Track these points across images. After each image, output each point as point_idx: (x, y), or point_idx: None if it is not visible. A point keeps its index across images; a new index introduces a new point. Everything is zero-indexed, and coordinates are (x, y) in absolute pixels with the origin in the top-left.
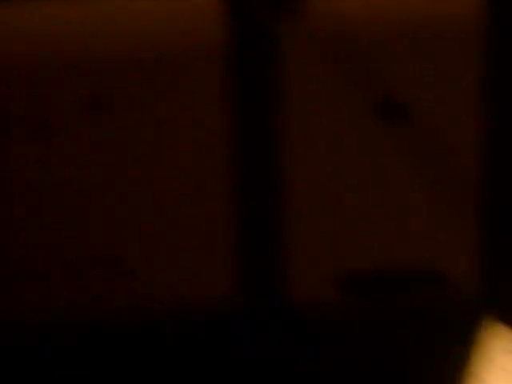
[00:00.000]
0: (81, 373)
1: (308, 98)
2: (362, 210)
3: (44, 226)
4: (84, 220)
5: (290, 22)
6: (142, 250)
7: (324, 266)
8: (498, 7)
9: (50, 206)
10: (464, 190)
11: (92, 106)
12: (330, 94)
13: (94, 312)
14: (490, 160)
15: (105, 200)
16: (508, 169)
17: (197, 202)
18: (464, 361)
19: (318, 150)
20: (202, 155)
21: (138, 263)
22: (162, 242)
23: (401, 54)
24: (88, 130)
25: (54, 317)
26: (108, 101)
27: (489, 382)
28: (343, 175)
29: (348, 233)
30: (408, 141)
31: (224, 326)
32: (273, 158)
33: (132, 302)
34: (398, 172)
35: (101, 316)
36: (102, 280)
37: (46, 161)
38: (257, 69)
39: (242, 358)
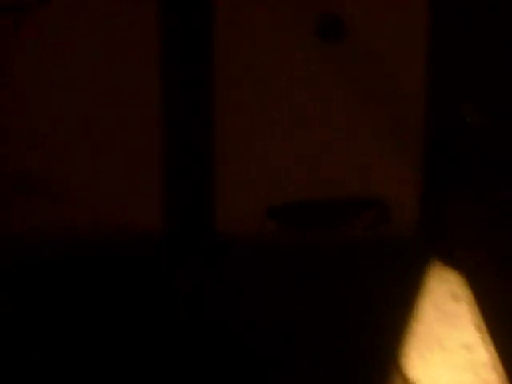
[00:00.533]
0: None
1: (244, 21)
2: (296, 138)
3: None
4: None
5: None
6: (70, 174)
7: (254, 194)
8: None
9: None
10: (408, 124)
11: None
12: (269, 14)
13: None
14: (434, 93)
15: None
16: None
17: (128, 129)
18: (407, 303)
19: (254, 77)
20: (135, 83)
21: (65, 188)
22: (90, 167)
23: None
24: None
25: None
26: None
27: (433, 327)
28: (279, 103)
29: (281, 161)
30: (349, 64)
31: (148, 253)
32: (206, 86)
33: (57, 228)
34: (341, 101)
35: (24, 241)
36: (26, 203)
37: None
38: None
39: (167, 283)
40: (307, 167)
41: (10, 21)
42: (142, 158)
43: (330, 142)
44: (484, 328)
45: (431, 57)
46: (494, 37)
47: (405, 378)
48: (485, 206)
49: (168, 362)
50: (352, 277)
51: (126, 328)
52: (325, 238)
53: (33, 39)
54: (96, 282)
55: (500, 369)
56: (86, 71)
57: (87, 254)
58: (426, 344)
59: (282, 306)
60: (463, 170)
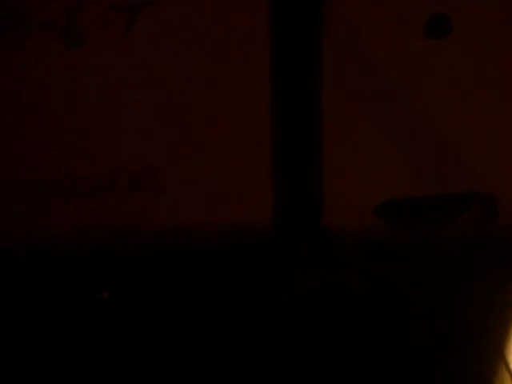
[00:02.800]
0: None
1: (350, 16)
2: (404, 135)
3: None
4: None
5: None
6: (177, 167)
7: (360, 193)
8: None
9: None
10: None
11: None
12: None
13: (119, 229)
14: None
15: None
16: None
17: (236, 124)
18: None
19: (362, 73)
20: (243, 76)
21: (172, 180)
22: (198, 161)
23: None
24: (118, 36)
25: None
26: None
27: None
28: (386, 97)
29: (388, 159)
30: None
31: (257, 248)
32: (314, 82)
33: (161, 221)
34: (449, 97)
35: (128, 231)
36: (132, 195)
37: (76, 65)
38: None
39: (273, 278)
40: (414, 163)
41: (123, 19)
42: (251, 155)
43: (436, 137)
44: None
45: None
46: None
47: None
48: None
49: (284, 358)
50: (459, 273)
51: (239, 322)
52: (432, 234)
53: (142, 36)
54: (206, 276)
55: None
56: (196, 70)
57: (199, 250)
58: None
59: (393, 303)
60: None
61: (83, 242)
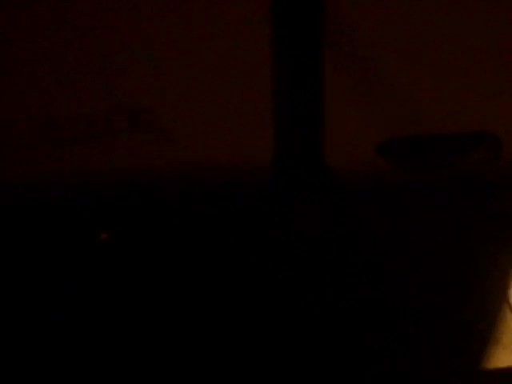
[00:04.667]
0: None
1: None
2: (407, 71)
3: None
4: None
5: None
6: (180, 111)
7: (362, 131)
8: None
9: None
10: None
11: None
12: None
13: (124, 170)
14: None
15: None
16: None
17: (239, 65)
18: None
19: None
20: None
21: (175, 125)
22: (200, 104)
23: None
24: None
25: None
26: None
27: None
28: (393, 36)
29: (391, 96)
30: None
31: (257, 188)
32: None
33: (166, 164)
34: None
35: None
36: (139, 140)
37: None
38: None
39: (273, 219)
40: (416, 102)
41: None
42: (251, 94)
43: (441, 77)
44: None
45: None
46: None
47: None
48: None
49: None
50: (463, 215)
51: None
52: (436, 174)
53: None
54: (206, 218)
55: None
56: (195, 15)
57: (199, 191)
58: None
59: (394, 245)
60: None
61: (83, 183)
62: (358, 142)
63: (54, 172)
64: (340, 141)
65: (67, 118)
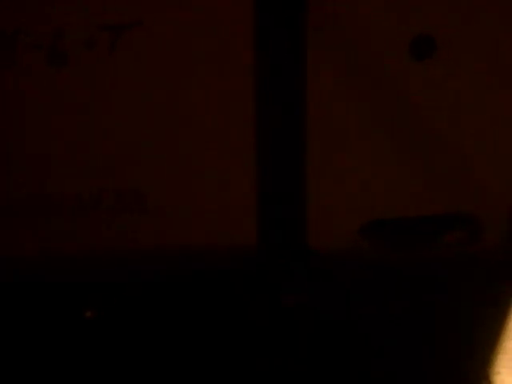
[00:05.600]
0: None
1: (338, 37)
2: (388, 155)
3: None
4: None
5: None
6: (167, 190)
7: (346, 212)
8: None
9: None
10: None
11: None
12: (362, 31)
13: (107, 248)
14: None
15: (126, 135)
16: None
17: (224, 144)
18: (497, 321)
19: (345, 94)
20: (226, 100)
21: (161, 204)
22: (186, 183)
23: None
24: (102, 56)
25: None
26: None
27: None
28: (372, 117)
29: (372, 179)
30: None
31: (242, 270)
32: (298, 103)
33: (146, 243)
34: (428, 111)
35: (111, 251)
36: (117, 215)
37: (60, 86)
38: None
39: (261, 303)
40: (399, 184)
41: (109, 39)
42: (236, 178)
43: (419, 160)
44: None
45: None
46: None
47: None
48: None
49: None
50: (444, 294)
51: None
52: (417, 254)
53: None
54: (192, 294)
55: None
56: (181, 92)
57: (182, 270)
58: None
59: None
60: None
61: (69, 259)
62: (341, 224)
63: (41, 248)
64: (323, 223)
65: (56, 196)
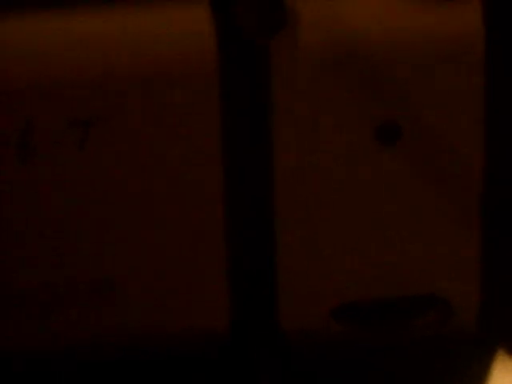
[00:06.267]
0: None
1: (300, 121)
2: (358, 237)
3: (23, 246)
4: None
5: (280, 40)
6: (132, 278)
7: (317, 295)
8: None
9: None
10: (466, 213)
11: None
12: (324, 117)
13: (72, 341)
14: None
15: (91, 223)
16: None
17: (192, 228)
18: None
19: (312, 174)
20: (195, 179)
21: (128, 291)
22: (154, 269)
23: (400, 74)
24: (72, 151)
25: (30, 345)
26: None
27: None
28: (339, 201)
29: (343, 261)
30: (406, 164)
31: (213, 357)
32: (265, 185)
33: (113, 331)
34: (394, 195)
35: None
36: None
37: (30, 182)
38: (248, 86)
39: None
40: (369, 266)
41: (77, 135)
42: (207, 264)
43: (389, 241)
44: None
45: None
46: None
47: None
48: None
49: None
50: (415, 377)
51: None
52: (387, 337)
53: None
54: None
55: None
56: (150, 185)
57: (149, 357)
58: None
59: None
60: None
61: (39, 353)
62: (312, 306)
63: (14, 340)
64: (294, 306)
65: (25, 287)
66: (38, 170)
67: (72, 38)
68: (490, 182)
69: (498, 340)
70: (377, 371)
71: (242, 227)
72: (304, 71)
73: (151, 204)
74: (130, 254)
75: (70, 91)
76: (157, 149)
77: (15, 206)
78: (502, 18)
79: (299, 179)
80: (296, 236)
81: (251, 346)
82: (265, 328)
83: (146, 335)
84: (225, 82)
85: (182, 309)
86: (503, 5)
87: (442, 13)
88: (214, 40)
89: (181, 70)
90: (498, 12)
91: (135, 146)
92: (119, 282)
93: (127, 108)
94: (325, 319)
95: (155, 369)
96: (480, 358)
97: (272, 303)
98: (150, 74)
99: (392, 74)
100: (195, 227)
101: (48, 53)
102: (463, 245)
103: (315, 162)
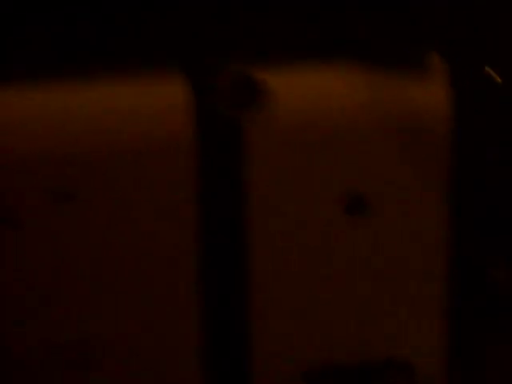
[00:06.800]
0: None
1: (273, 194)
2: (329, 306)
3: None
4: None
5: (253, 115)
6: (112, 343)
7: (290, 362)
8: (464, 104)
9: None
10: (430, 280)
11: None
12: (297, 187)
13: None
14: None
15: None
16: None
17: (165, 301)
18: None
19: (283, 246)
20: (168, 260)
21: (103, 360)
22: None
23: (367, 148)
24: (55, 222)
25: None
26: (75, 193)
27: None
28: (310, 272)
29: (314, 328)
30: (373, 235)
31: None
32: (237, 260)
33: None
34: (365, 266)
35: None
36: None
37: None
38: (222, 162)
39: None
40: (335, 332)
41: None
42: (181, 338)
43: (354, 308)
44: None
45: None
46: None
47: None
48: None
49: None
50: None
51: None
52: None
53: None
54: None
55: None
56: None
57: None
58: None
59: None
60: (491, 329)
61: None
62: (283, 370)
63: None
64: (265, 370)
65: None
66: (24, 240)
67: (50, 114)
68: (454, 249)
69: None
70: None
71: (216, 302)
72: (276, 147)
73: (127, 279)
74: (106, 323)
75: (49, 166)
76: (134, 222)
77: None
78: (465, 96)
79: (272, 250)
80: (268, 306)
81: None
82: None
83: None
84: (200, 155)
85: (157, 378)
86: (466, 82)
87: (408, 90)
88: (190, 115)
89: (159, 144)
90: (462, 90)
91: (114, 219)
92: (98, 346)
93: (106, 181)
94: (295, 382)
95: None
96: None
97: (243, 369)
98: (129, 149)
99: (360, 150)
100: (170, 304)
101: (28, 128)
102: (426, 312)
103: (287, 236)
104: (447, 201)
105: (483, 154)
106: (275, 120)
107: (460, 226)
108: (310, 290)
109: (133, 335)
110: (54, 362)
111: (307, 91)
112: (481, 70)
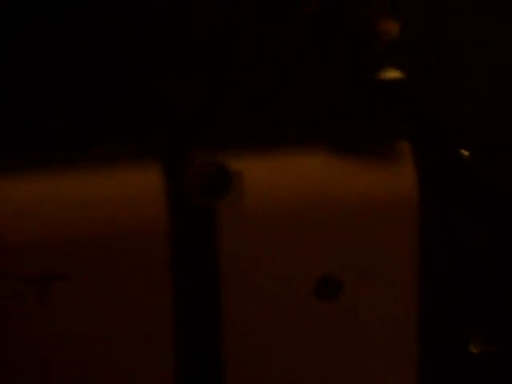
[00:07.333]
0: None
1: (246, 277)
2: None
3: None
4: None
5: (226, 202)
6: None
7: None
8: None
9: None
10: (403, 361)
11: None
12: (268, 272)
13: None
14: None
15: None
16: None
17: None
18: None
19: (256, 328)
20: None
21: None
22: None
23: (337, 233)
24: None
25: None
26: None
27: None
28: (280, 347)
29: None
30: (343, 317)
31: None
32: (212, 338)
33: None
34: (335, 348)
35: None
36: None
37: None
38: (195, 247)
39: None
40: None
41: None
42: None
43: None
44: None
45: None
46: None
47: None
48: None
49: None
50: None
51: None
52: None
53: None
54: None
55: None
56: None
57: None
58: None
59: None
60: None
61: None
62: None
63: None
64: None
65: None
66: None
67: (29, 202)
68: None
69: None
70: None
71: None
72: (248, 233)
73: (108, 357)
74: None
75: (28, 251)
76: (111, 309)
77: None
78: (434, 182)
79: (244, 331)
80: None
81: None
82: None
83: None
84: (174, 241)
85: None
86: (436, 169)
87: (378, 176)
88: (164, 204)
89: (134, 231)
90: (432, 176)
91: (92, 303)
92: None
93: (84, 265)
94: None
95: None
96: None
97: None
98: (106, 235)
99: (331, 233)
100: (147, 370)
101: (8, 215)
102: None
103: (259, 316)
104: (417, 281)
105: (454, 234)
106: (247, 205)
107: (433, 305)
108: (279, 365)
109: None
110: None
111: (279, 177)
112: (451, 154)
